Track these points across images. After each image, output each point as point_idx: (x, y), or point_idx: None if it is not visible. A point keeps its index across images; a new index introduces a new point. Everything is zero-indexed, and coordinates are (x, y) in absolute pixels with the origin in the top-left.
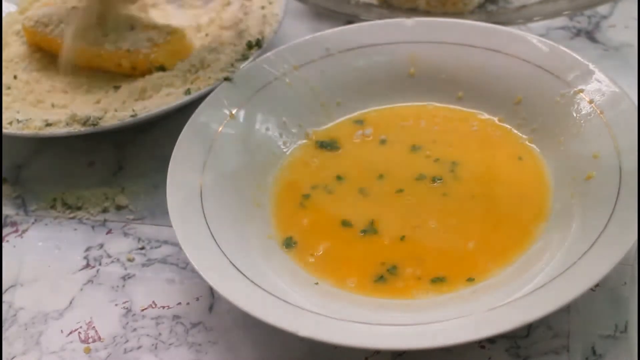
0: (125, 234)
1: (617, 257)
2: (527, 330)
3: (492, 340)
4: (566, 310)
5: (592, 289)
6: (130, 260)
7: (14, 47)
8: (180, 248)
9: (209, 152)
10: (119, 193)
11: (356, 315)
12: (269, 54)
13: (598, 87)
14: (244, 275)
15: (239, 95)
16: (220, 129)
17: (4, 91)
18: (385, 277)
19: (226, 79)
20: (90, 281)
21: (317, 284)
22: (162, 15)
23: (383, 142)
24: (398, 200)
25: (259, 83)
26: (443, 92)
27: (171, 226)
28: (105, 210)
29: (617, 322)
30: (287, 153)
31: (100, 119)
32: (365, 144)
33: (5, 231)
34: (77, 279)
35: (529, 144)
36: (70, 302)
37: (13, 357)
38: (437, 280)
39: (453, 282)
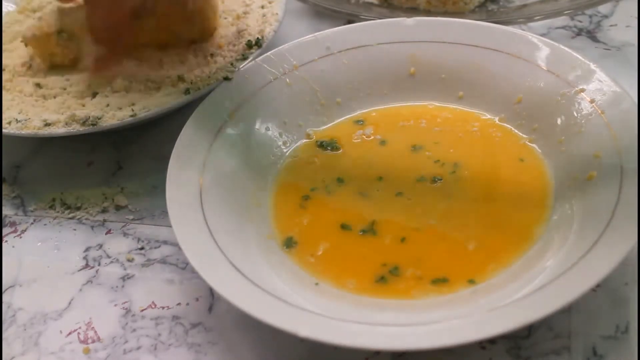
0: (125, 234)
1: (618, 257)
2: (528, 331)
3: (492, 340)
4: (567, 311)
5: (593, 290)
6: (130, 260)
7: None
8: (180, 248)
9: (209, 152)
10: (119, 193)
11: (356, 316)
12: (269, 53)
13: (599, 86)
14: (243, 275)
15: (238, 95)
16: (220, 129)
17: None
18: (386, 278)
19: (226, 78)
20: (89, 281)
21: (317, 284)
22: None
23: (383, 142)
24: (398, 201)
25: (259, 83)
26: (443, 91)
27: (171, 226)
28: (104, 211)
29: (618, 322)
30: (287, 153)
31: (99, 118)
32: (365, 144)
33: (4, 231)
34: (76, 280)
35: (530, 143)
36: (70, 303)
37: (12, 358)
38: (438, 281)
39: (454, 283)
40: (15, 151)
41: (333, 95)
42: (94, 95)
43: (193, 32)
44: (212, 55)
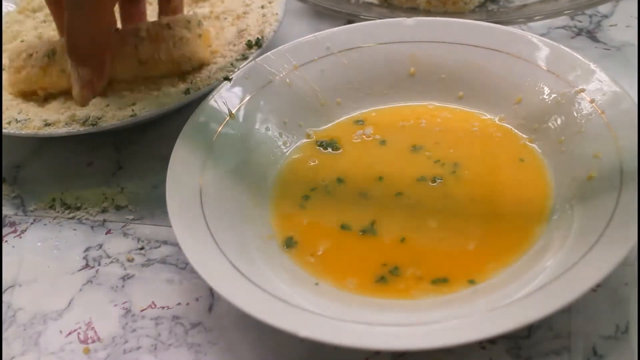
0: (125, 234)
1: (618, 257)
2: (528, 331)
3: (492, 340)
4: (567, 311)
5: (593, 290)
6: (130, 260)
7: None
8: (180, 248)
9: (209, 152)
10: (118, 193)
11: (356, 316)
12: (269, 53)
13: (599, 86)
14: (243, 275)
15: (239, 95)
16: (220, 129)
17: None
18: (386, 278)
19: (226, 78)
20: (89, 281)
21: (317, 284)
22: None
23: (383, 142)
24: (398, 202)
25: (259, 83)
26: (443, 91)
27: (171, 226)
28: (104, 211)
29: (618, 322)
30: (287, 153)
31: (99, 118)
32: (365, 144)
33: (4, 231)
34: (76, 280)
35: (530, 144)
36: (70, 303)
37: (12, 358)
38: (438, 281)
39: (454, 283)
40: (15, 151)
41: (333, 95)
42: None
43: (186, 67)
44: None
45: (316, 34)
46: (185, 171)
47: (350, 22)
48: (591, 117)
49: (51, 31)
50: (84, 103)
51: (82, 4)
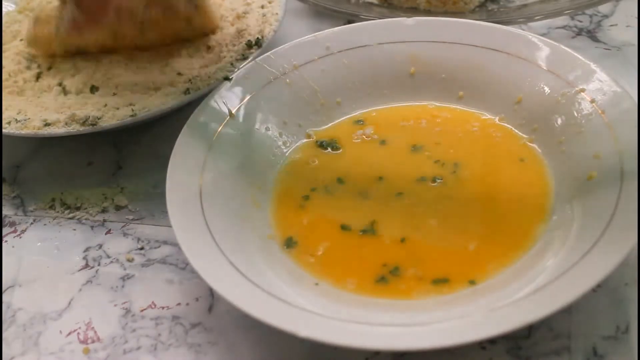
0: (125, 234)
1: (619, 257)
2: (528, 331)
3: (493, 341)
4: (567, 311)
5: (593, 290)
6: (130, 260)
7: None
8: (180, 248)
9: (209, 152)
10: (118, 193)
11: (356, 316)
12: (269, 53)
13: (599, 86)
14: (243, 275)
15: (238, 95)
16: (220, 128)
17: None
18: (386, 278)
19: (226, 78)
20: (89, 281)
21: (317, 284)
22: None
23: (383, 142)
24: (398, 202)
25: (259, 83)
26: (444, 91)
27: (170, 226)
28: (104, 211)
29: (619, 323)
30: (287, 153)
31: (99, 118)
32: (365, 144)
33: (3, 231)
34: (76, 280)
35: (530, 143)
36: (69, 303)
37: (12, 358)
38: (438, 281)
39: (454, 283)
40: (15, 151)
41: (333, 95)
42: (94, 94)
43: (189, 31)
44: (208, 47)
45: (316, 34)
46: (185, 171)
47: (350, 22)
48: (591, 117)
49: None
50: (67, 36)
51: None
